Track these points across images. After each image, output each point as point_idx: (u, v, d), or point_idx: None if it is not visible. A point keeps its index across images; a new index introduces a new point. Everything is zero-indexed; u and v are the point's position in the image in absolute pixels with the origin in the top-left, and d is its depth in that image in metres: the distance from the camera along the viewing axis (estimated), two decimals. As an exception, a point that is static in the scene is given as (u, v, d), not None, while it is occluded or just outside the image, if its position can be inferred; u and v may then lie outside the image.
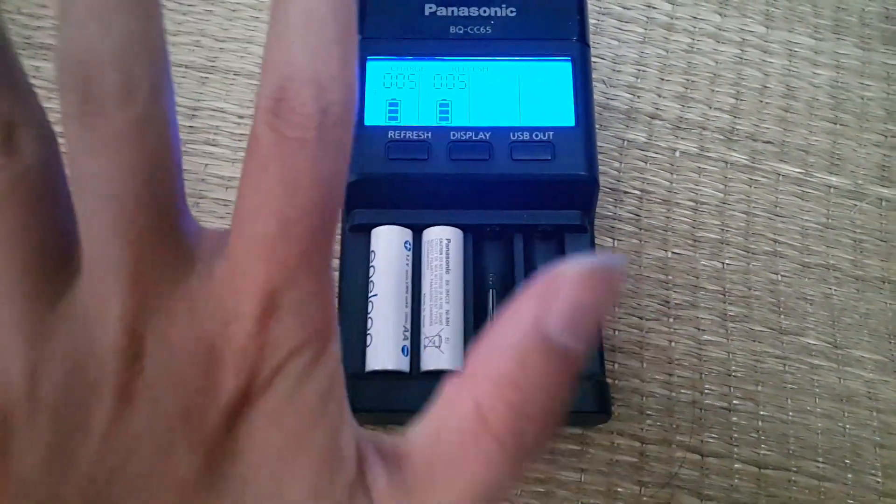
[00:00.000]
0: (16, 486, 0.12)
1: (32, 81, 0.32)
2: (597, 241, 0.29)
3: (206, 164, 0.31)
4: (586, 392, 0.26)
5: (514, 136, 0.27)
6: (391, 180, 0.27)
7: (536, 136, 0.27)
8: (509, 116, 0.28)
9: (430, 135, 0.27)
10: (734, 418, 0.29)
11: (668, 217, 0.32)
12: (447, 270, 0.27)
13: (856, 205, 0.33)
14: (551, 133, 0.27)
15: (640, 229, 0.31)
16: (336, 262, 0.29)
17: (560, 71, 0.28)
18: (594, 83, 0.30)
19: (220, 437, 0.13)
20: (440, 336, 0.26)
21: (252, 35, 0.34)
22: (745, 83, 0.34)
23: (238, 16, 0.34)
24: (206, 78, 0.33)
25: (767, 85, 0.35)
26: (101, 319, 0.13)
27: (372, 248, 0.27)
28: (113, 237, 0.13)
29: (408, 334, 0.26)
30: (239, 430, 0.13)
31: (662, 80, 0.34)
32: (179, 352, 0.13)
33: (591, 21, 0.34)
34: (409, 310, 0.27)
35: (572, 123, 0.27)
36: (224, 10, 0.34)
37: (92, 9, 0.13)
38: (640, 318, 0.30)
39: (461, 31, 0.29)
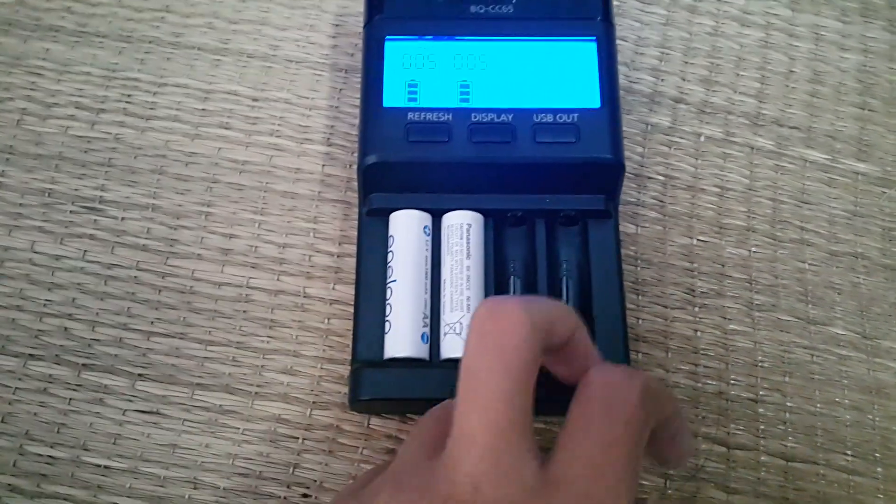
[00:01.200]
0: None
1: (42, 63, 0.32)
2: (620, 227, 0.29)
3: (220, 148, 0.31)
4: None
5: (537, 117, 0.26)
6: (410, 163, 0.26)
7: (560, 117, 0.26)
8: (532, 98, 0.27)
9: (450, 116, 0.26)
10: (761, 410, 0.28)
11: (693, 203, 0.31)
12: (468, 256, 0.26)
13: (884, 192, 0.32)
14: (576, 115, 0.26)
15: (665, 216, 0.30)
16: (353, 248, 0.28)
17: (585, 51, 0.27)
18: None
19: None
20: (461, 323, 0.25)
21: (265, 17, 0.33)
22: (770, 67, 0.34)
23: (252, -4, 0.33)
24: (219, 60, 0.32)
25: (793, 69, 0.34)
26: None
27: (390, 233, 0.27)
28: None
29: (427, 321, 0.26)
30: None
31: (686, 63, 0.33)
32: None
33: (614, 2, 0.33)
34: (428, 296, 0.26)
35: (597, 105, 0.27)
36: (238, -10, 0.33)
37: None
38: (665, 306, 0.29)
39: (482, 10, 0.28)
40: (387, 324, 0.26)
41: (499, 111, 0.26)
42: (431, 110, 0.26)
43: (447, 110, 0.26)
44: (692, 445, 0.22)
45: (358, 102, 0.31)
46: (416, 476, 0.18)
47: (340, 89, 0.32)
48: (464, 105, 0.27)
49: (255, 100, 0.32)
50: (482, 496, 0.16)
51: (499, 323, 0.17)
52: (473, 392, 0.17)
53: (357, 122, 0.30)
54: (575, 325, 0.20)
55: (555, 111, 0.26)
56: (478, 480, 0.16)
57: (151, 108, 0.31)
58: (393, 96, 0.27)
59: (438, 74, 0.27)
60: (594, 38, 0.28)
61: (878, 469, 0.27)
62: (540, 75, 0.27)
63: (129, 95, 0.31)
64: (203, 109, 0.31)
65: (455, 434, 0.17)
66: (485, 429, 0.17)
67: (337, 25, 0.33)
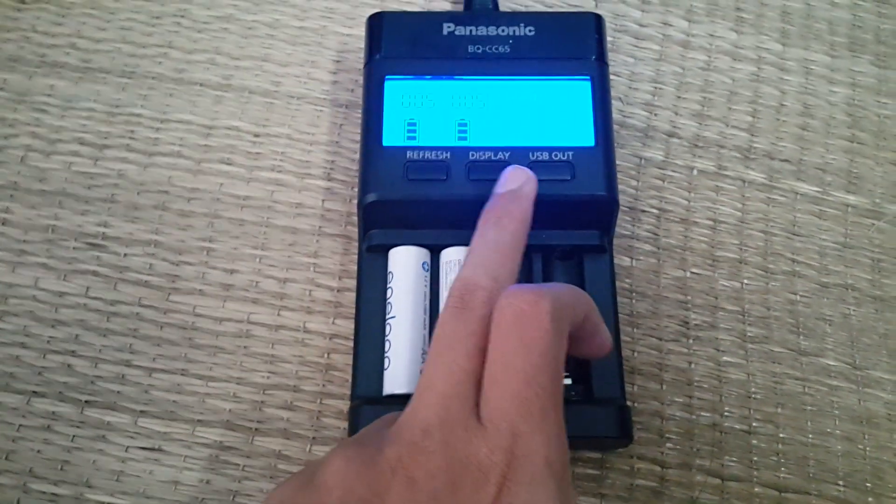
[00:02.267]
0: None
1: (46, 100, 0.33)
2: (615, 260, 0.29)
3: (222, 184, 0.31)
4: (607, 417, 0.25)
5: (533, 155, 0.27)
6: (409, 201, 0.27)
7: (556, 155, 0.27)
8: (528, 136, 0.27)
9: (448, 155, 0.27)
10: (754, 441, 0.28)
11: (686, 236, 0.31)
12: (466, 292, 0.27)
13: (874, 224, 0.32)
14: (571, 153, 0.27)
15: (659, 248, 0.31)
16: (353, 282, 0.29)
17: (579, 90, 0.28)
18: (610, 101, 0.29)
19: None
20: (459, 359, 0.26)
21: (268, 53, 0.34)
22: (761, 101, 0.34)
23: (254, 34, 0.34)
24: (222, 96, 0.33)
25: (784, 103, 0.34)
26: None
27: (389, 269, 0.27)
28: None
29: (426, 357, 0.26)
30: None
31: (679, 97, 0.34)
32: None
33: (608, 39, 0.34)
34: (427, 332, 0.26)
35: (592, 143, 0.27)
36: (240, 28, 0.34)
37: (483, 262, 0.21)
38: (660, 338, 0.30)
39: (479, 50, 0.29)
40: (386, 360, 0.26)
41: (496, 149, 0.27)
42: (430, 149, 0.27)
43: (445, 149, 0.27)
44: (609, 335, 0.23)
45: (358, 138, 0.31)
46: (377, 435, 0.20)
47: (341, 125, 0.32)
48: (462, 143, 0.27)
49: (256, 135, 0.32)
50: (430, 439, 0.18)
51: (467, 300, 0.20)
52: (442, 352, 0.19)
53: (357, 157, 0.31)
54: (588, 305, 0.22)
55: (550, 149, 0.27)
56: (428, 425, 0.18)
57: (154, 144, 0.32)
58: (392, 135, 0.27)
59: (437, 113, 0.28)
60: (588, 77, 0.28)
61: (870, 499, 0.28)
62: (536, 114, 0.28)
63: (132, 131, 0.32)
64: (205, 145, 0.32)
65: (418, 387, 0.20)
66: (444, 379, 0.19)
67: (338, 62, 0.34)
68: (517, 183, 0.25)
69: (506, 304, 0.20)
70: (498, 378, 0.19)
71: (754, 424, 0.29)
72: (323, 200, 0.31)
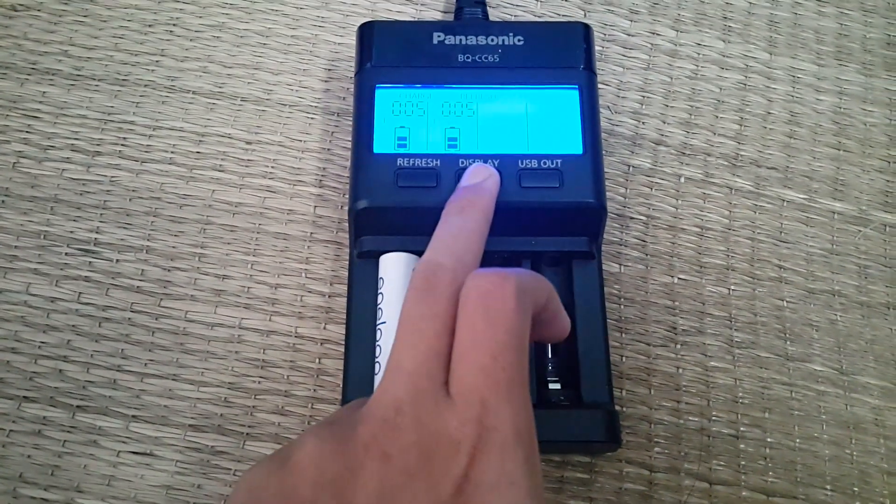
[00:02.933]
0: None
1: (38, 107, 0.33)
2: (604, 266, 0.29)
3: (214, 190, 0.31)
4: (596, 421, 0.25)
5: (522, 163, 0.27)
6: (400, 208, 0.27)
7: (544, 163, 0.27)
8: (517, 144, 0.28)
9: (438, 163, 0.27)
10: (742, 445, 0.29)
11: (673, 243, 0.32)
12: (455, 298, 0.27)
13: (860, 230, 0.33)
14: (559, 161, 0.27)
15: (647, 255, 0.31)
16: (344, 288, 0.29)
17: (567, 99, 0.28)
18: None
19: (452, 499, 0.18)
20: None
21: (259, 61, 0.34)
22: (748, 109, 0.35)
23: (245, 42, 0.34)
24: (214, 104, 0.33)
25: (771, 111, 0.35)
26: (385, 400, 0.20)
27: (380, 275, 0.27)
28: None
29: (416, 362, 0.26)
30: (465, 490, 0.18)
31: (667, 106, 0.34)
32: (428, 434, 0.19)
33: (596, 48, 0.34)
34: (417, 337, 0.27)
35: (580, 151, 0.28)
36: (232, 36, 0.34)
37: (447, 245, 0.22)
38: (648, 344, 0.30)
39: (469, 60, 0.29)
40: (377, 365, 0.26)
41: (485, 157, 0.27)
42: (420, 156, 0.27)
43: (435, 156, 0.27)
44: (568, 321, 0.24)
45: (349, 145, 0.32)
46: (348, 416, 0.20)
47: (332, 132, 0.33)
48: (451, 151, 0.28)
49: (248, 143, 0.32)
50: (403, 416, 0.19)
51: (432, 281, 0.21)
52: (408, 332, 0.20)
53: (348, 165, 0.31)
54: (548, 290, 0.22)
55: (539, 157, 0.27)
56: (399, 402, 0.19)
57: (146, 151, 0.32)
58: (383, 143, 0.28)
59: (427, 122, 0.28)
60: (576, 86, 0.29)
61: (857, 503, 0.28)
62: (524, 122, 0.28)
63: (124, 138, 0.32)
64: (197, 152, 0.32)
65: (387, 368, 0.20)
66: (412, 358, 0.19)
67: (329, 70, 0.34)
68: (480, 178, 0.26)
69: (472, 285, 0.20)
70: (466, 354, 0.19)
71: (742, 429, 0.29)
72: (314, 207, 0.31)
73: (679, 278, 0.31)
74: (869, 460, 0.29)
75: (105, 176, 0.31)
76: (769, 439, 0.29)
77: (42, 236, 0.30)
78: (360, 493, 0.18)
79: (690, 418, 0.29)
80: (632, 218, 0.32)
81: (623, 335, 0.30)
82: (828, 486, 0.28)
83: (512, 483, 0.18)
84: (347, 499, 0.18)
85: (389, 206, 0.27)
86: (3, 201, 0.31)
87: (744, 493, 0.28)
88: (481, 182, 0.26)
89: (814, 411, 0.29)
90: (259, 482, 0.19)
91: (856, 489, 0.28)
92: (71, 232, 0.30)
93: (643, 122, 0.34)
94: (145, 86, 0.33)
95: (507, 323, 0.19)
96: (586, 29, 0.30)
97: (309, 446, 0.19)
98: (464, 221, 0.23)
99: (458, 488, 0.18)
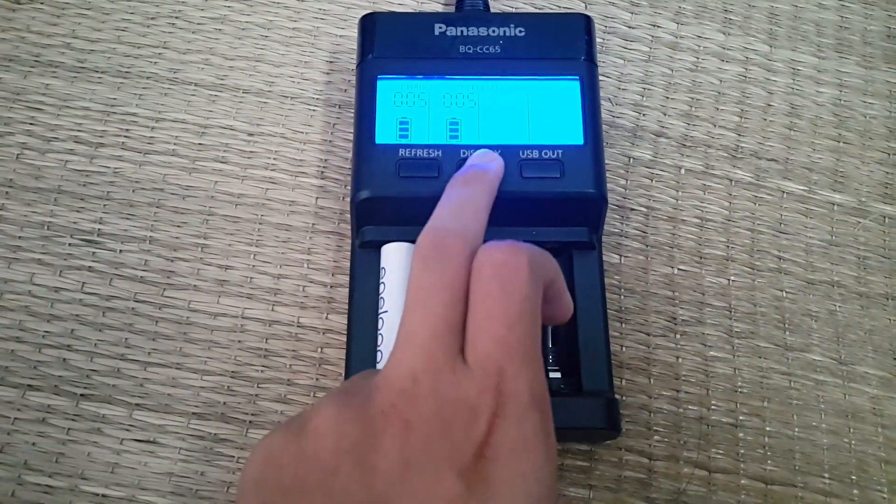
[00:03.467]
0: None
1: (42, 98, 0.33)
2: (604, 257, 0.30)
3: (216, 182, 0.32)
4: (596, 409, 0.26)
5: (523, 154, 0.27)
6: (401, 198, 0.27)
7: (545, 154, 0.27)
8: (518, 134, 0.28)
9: (440, 153, 0.27)
10: (741, 434, 0.29)
11: (674, 234, 0.32)
12: (457, 287, 0.27)
13: (859, 222, 0.33)
14: (560, 151, 0.27)
15: (647, 246, 0.32)
16: (346, 278, 0.29)
17: (568, 89, 0.29)
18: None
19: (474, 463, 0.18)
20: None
21: (261, 54, 0.34)
22: (749, 101, 0.35)
23: (247, 34, 0.34)
24: (216, 96, 0.33)
25: (771, 103, 0.35)
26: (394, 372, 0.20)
27: (382, 265, 0.27)
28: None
29: (418, 351, 0.26)
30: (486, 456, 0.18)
31: (667, 98, 0.34)
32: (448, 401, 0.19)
33: (597, 40, 0.34)
34: (418, 326, 0.27)
35: (581, 141, 0.28)
36: (233, 28, 0.35)
37: (454, 213, 0.22)
38: (647, 334, 0.30)
39: (470, 51, 0.29)
40: (379, 353, 0.26)
41: (486, 147, 0.27)
42: (422, 147, 0.27)
43: (437, 147, 0.27)
44: (571, 302, 0.24)
45: (350, 137, 0.32)
46: (362, 385, 0.20)
47: (334, 124, 0.33)
48: (453, 142, 0.28)
49: (250, 134, 0.32)
50: (420, 386, 0.19)
51: (441, 249, 0.20)
52: (419, 301, 0.20)
53: (350, 156, 0.31)
54: (555, 268, 0.22)
55: (540, 147, 0.28)
56: (416, 371, 0.19)
57: (149, 143, 0.32)
58: (385, 133, 0.28)
59: (429, 112, 0.28)
60: (577, 77, 0.29)
61: (855, 491, 0.28)
62: (526, 113, 0.28)
63: (127, 130, 0.32)
64: (200, 144, 0.32)
65: (399, 338, 0.20)
66: (424, 329, 0.19)
67: (331, 62, 0.34)
68: (485, 160, 0.26)
69: (485, 256, 0.20)
70: (482, 324, 0.20)
71: (741, 418, 0.29)
72: (316, 198, 0.31)
73: (679, 269, 0.31)
74: (867, 449, 0.29)
75: (108, 167, 0.32)
76: (768, 428, 0.29)
77: (46, 227, 0.30)
78: (383, 460, 0.18)
79: (690, 407, 0.29)
80: (632, 209, 0.32)
81: (623, 325, 0.30)
82: (826, 475, 0.29)
83: (530, 447, 0.18)
84: (369, 465, 0.18)
85: (391, 197, 0.27)
86: (6, 192, 0.31)
87: (742, 481, 0.28)
88: (486, 163, 0.26)
89: (812, 401, 0.30)
90: (277, 449, 0.19)
91: (853, 477, 0.29)
92: (74, 223, 0.31)
93: (644, 114, 0.34)
94: (148, 78, 0.33)
95: (521, 293, 0.20)
96: (587, 20, 0.30)
97: (327, 412, 0.19)
98: (470, 192, 0.24)
99: (478, 454, 0.18)
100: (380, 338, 0.26)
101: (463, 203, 0.23)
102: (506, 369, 0.19)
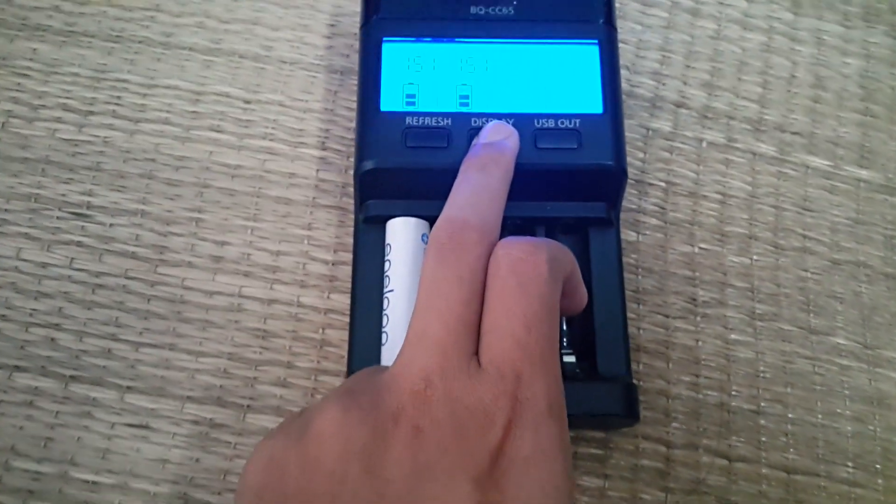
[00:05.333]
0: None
1: (28, 64, 0.31)
2: (621, 235, 0.28)
3: (211, 152, 0.30)
4: (613, 394, 0.24)
5: (538, 122, 0.26)
6: (408, 170, 0.25)
7: (562, 123, 0.26)
8: (533, 102, 0.26)
9: (449, 121, 0.26)
10: (762, 421, 0.27)
11: (694, 210, 0.30)
12: (466, 265, 0.26)
13: (886, 199, 0.31)
14: (577, 120, 0.26)
15: (666, 223, 0.30)
16: (349, 255, 0.28)
17: (587, 54, 0.27)
18: (617, 70, 0.28)
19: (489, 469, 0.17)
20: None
21: (258, 16, 0.32)
22: (772, 72, 0.33)
23: (245, -5, 0.33)
24: (211, 61, 0.31)
25: (796, 74, 0.33)
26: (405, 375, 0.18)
27: (387, 241, 0.26)
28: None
29: (425, 332, 0.25)
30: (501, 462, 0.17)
31: (688, 67, 0.33)
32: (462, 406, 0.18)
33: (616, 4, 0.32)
34: (426, 306, 0.25)
35: (600, 110, 0.26)
36: (230, -11, 0.33)
37: (471, 202, 0.21)
38: (666, 316, 0.29)
39: (482, 12, 0.27)
40: (384, 335, 0.25)
41: (499, 116, 0.26)
42: (430, 115, 0.26)
43: (446, 115, 0.26)
44: (585, 292, 0.23)
45: (354, 105, 0.30)
46: (370, 383, 0.19)
47: (336, 91, 0.31)
48: (463, 110, 0.26)
49: (247, 102, 0.31)
50: (433, 389, 0.18)
51: (458, 241, 0.19)
52: (433, 296, 0.19)
53: (353, 125, 0.30)
54: (573, 261, 0.21)
55: (556, 116, 0.26)
56: (429, 373, 0.18)
57: (141, 111, 0.30)
58: (391, 100, 0.26)
59: (437, 78, 0.26)
60: (596, 41, 0.27)
61: (879, 480, 0.27)
62: (541, 79, 0.27)
63: (118, 97, 0.31)
64: (194, 112, 0.30)
65: (410, 334, 0.19)
66: (439, 327, 0.18)
67: (332, 25, 0.32)
68: (500, 136, 0.24)
69: (503, 253, 0.19)
70: (499, 324, 0.19)
71: (762, 404, 0.28)
72: (317, 170, 0.30)
73: (700, 247, 0.30)
74: (892, 437, 0.28)
75: (98, 136, 0.30)
76: (790, 415, 0.28)
77: (33, 199, 0.29)
78: (394, 468, 0.17)
79: (710, 393, 0.28)
80: (651, 184, 0.31)
81: (641, 307, 0.29)
82: (850, 464, 0.27)
83: (546, 456, 0.17)
84: (379, 471, 0.17)
85: (397, 168, 0.25)
86: (-10, 162, 0.29)
87: (764, 471, 0.27)
88: (502, 140, 0.24)
89: (837, 386, 0.28)
90: (278, 454, 0.18)
91: (878, 466, 0.27)
92: (63, 195, 0.29)
93: (663, 84, 0.32)
94: (139, 42, 0.32)
95: (540, 293, 0.19)
96: (606, -19, 0.28)
97: (332, 414, 0.18)
98: (486, 179, 0.22)
99: (493, 462, 0.17)
100: (385, 318, 0.25)
101: (479, 191, 0.21)
102: (523, 373, 0.18)
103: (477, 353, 0.19)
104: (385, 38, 0.27)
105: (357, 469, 0.17)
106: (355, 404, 0.18)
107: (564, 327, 0.26)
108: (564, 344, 0.26)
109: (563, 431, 0.18)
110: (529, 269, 0.19)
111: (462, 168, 0.23)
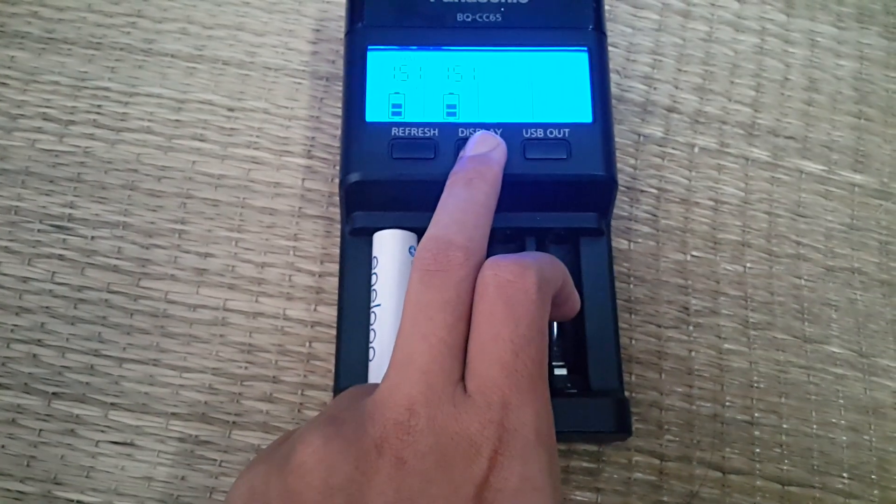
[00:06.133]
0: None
1: (7, 72, 0.30)
2: (612, 243, 0.28)
3: (194, 162, 0.29)
4: (605, 410, 0.24)
5: (527, 132, 0.25)
6: (395, 181, 0.25)
7: (551, 132, 0.25)
8: (522, 112, 0.26)
9: (436, 132, 0.25)
10: (756, 432, 0.27)
11: (686, 217, 0.30)
12: (455, 278, 0.25)
13: (881, 204, 0.31)
14: (567, 130, 0.25)
15: (658, 230, 0.30)
16: (335, 266, 0.27)
17: (576, 62, 0.26)
18: (608, 74, 0.28)
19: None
20: (448, 349, 0.24)
21: (242, 22, 0.32)
22: (765, 74, 0.33)
23: (228, 1, 0.32)
24: (194, 68, 0.31)
25: (789, 76, 0.33)
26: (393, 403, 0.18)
27: (374, 254, 0.25)
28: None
29: (413, 347, 0.24)
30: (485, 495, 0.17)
31: (679, 70, 0.32)
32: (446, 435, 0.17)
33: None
34: (414, 320, 0.25)
35: (589, 119, 0.26)
36: (213, -6, 0.32)
37: (456, 220, 0.20)
38: (659, 325, 0.28)
39: (469, 19, 0.27)
40: (371, 350, 0.24)
41: (487, 126, 0.25)
42: (417, 125, 0.25)
43: (433, 125, 0.25)
44: (577, 297, 0.22)
45: (339, 112, 0.29)
46: (354, 410, 0.18)
47: (321, 98, 0.31)
48: (451, 120, 0.25)
49: (231, 110, 0.30)
50: (417, 418, 0.17)
51: (443, 262, 0.19)
52: (418, 320, 0.18)
53: (339, 133, 0.29)
54: (563, 272, 0.21)
55: (545, 126, 0.25)
56: (412, 402, 0.18)
57: (122, 120, 0.30)
58: (376, 111, 0.26)
59: (424, 87, 0.26)
60: (586, 48, 0.26)
61: (875, 491, 0.27)
62: (529, 88, 0.26)
63: (99, 106, 0.30)
64: (176, 120, 0.30)
65: (395, 360, 0.18)
66: (424, 352, 0.18)
67: (317, 31, 0.32)
68: (486, 147, 0.24)
69: (490, 274, 0.19)
70: (486, 349, 0.18)
71: (757, 415, 0.27)
72: (303, 179, 0.29)
73: (692, 255, 0.29)
74: (888, 447, 0.28)
75: (79, 146, 0.29)
76: (785, 426, 0.27)
77: (13, 212, 0.28)
78: (377, 500, 0.16)
79: (703, 404, 0.27)
80: (642, 191, 0.30)
81: (633, 316, 0.28)
82: (845, 474, 0.27)
83: (534, 488, 0.17)
84: None
85: (383, 180, 0.25)
86: (-32, 174, 0.29)
87: (758, 483, 0.26)
88: (488, 152, 0.24)
89: (832, 396, 0.28)
90: (259, 485, 0.18)
91: (874, 477, 0.27)
92: (43, 207, 0.28)
93: (654, 88, 0.32)
94: (121, 49, 0.31)
95: (528, 316, 0.18)
96: (596, -14, 0.28)
97: (314, 445, 0.17)
98: (472, 194, 0.21)
99: (478, 494, 0.17)
100: (372, 333, 0.25)
101: (465, 208, 0.21)
102: (510, 400, 0.17)
103: (463, 377, 0.18)
104: (370, 47, 0.26)
105: (339, 502, 0.16)
106: (338, 434, 0.17)
107: (556, 337, 0.26)
108: (555, 355, 0.26)
109: (551, 460, 0.18)
110: (517, 291, 0.18)
111: (448, 183, 0.22)
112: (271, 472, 0.18)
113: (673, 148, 0.31)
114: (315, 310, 0.27)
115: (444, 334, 0.18)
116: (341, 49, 0.30)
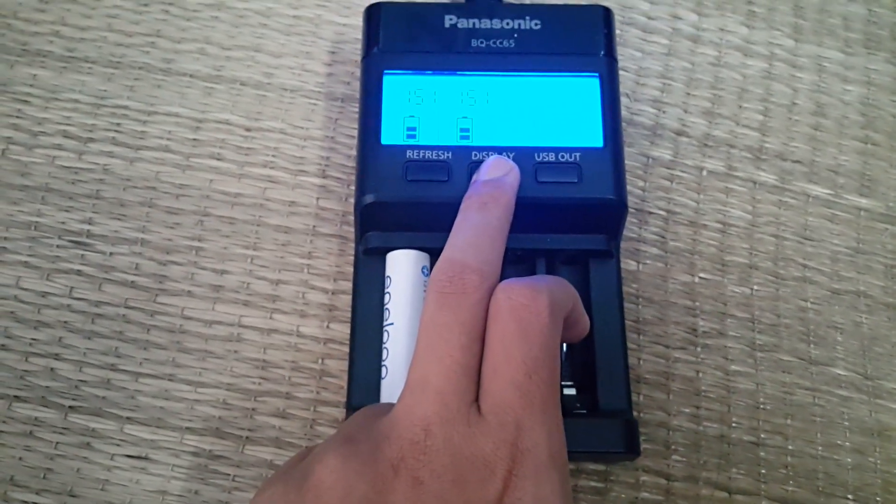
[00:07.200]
0: None
1: (28, 90, 0.31)
2: (621, 264, 0.28)
3: (212, 180, 0.30)
4: (613, 431, 0.24)
5: (538, 156, 0.26)
6: (409, 203, 0.25)
7: (562, 157, 0.26)
8: (534, 136, 0.26)
9: (450, 155, 0.26)
10: (762, 453, 0.27)
11: (694, 240, 0.30)
12: (466, 298, 0.25)
13: (887, 228, 0.31)
14: (578, 154, 0.26)
15: (666, 252, 0.30)
16: (348, 284, 0.28)
17: (587, 87, 0.27)
18: (618, 98, 0.28)
19: None
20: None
21: (260, 43, 0.32)
22: (773, 99, 0.33)
23: (245, 22, 0.33)
24: (212, 88, 0.31)
25: (796, 101, 0.33)
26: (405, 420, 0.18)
27: (387, 274, 0.26)
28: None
29: (425, 366, 0.25)
30: None
31: (688, 94, 0.33)
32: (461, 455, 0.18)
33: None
34: (426, 339, 0.25)
35: (600, 144, 0.26)
36: (231, 16, 0.33)
37: (471, 244, 0.21)
38: (667, 346, 0.29)
39: (483, 45, 0.27)
40: (383, 369, 0.25)
41: (500, 150, 0.26)
42: (431, 148, 0.26)
43: (447, 148, 0.26)
44: (587, 319, 0.23)
45: (354, 133, 0.30)
46: (370, 430, 0.19)
47: (336, 119, 0.31)
48: (464, 143, 0.26)
49: (248, 129, 0.31)
50: (433, 438, 0.18)
51: (458, 285, 0.19)
52: (434, 342, 0.19)
53: (353, 154, 0.30)
54: (574, 296, 0.21)
55: (556, 150, 0.26)
56: (428, 423, 0.18)
57: (141, 138, 0.30)
58: (391, 133, 0.26)
59: (438, 111, 0.26)
60: (597, 74, 0.27)
61: (880, 514, 0.27)
62: (541, 112, 0.27)
63: (118, 124, 0.31)
64: (194, 139, 0.30)
65: (411, 380, 0.19)
66: (439, 373, 0.18)
67: (333, 53, 0.32)
68: (500, 172, 0.24)
69: (503, 297, 0.19)
70: (500, 370, 0.18)
71: (762, 436, 0.28)
72: (317, 199, 0.30)
73: (700, 277, 0.30)
74: (893, 469, 0.28)
75: (98, 164, 0.30)
76: (790, 447, 0.28)
77: (33, 227, 0.29)
78: None
79: (710, 425, 0.28)
80: (651, 213, 0.31)
81: (641, 337, 0.29)
82: (850, 496, 0.27)
83: None
84: None
85: (398, 202, 0.25)
86: (-9, 190, 0.29)
87: (763, 503, 0.27)
88: (502, 177, 0.24)
89: (837, 418, 0.28)
90: (277, 503, 0.18)
91: (878, 499, 0.27)
92: (62, 223, 0.29)
93: (664, 111, 0.32)
94: (140, 68, 0.32)
95: (541, 338, 0.19)
96: (607, 12, 0.28)
97: (332, 464, 0.18)
98: (486, 219, 0.22)
99: None
100: (385, 352, 0.25)
101: (479, 231, 0.21)
102: (523, 421, 0.18)
103: (477, 398, 0.19)
104: (386, 71, 0.27)
105: None
106: (355, 454, 0.18)
107: (564, 358, 0.26)
108: (564, 374, 0.26)
109: (564, 480, 0.18)
110: (530, 314, 0.19)
111: (462, 207, 0.23)
112: (289, 491, 0.18)
113: (681, 171, 0.31)
114: (328, 327, 0.28)
115: (459, 355, 0.18)
116: (356, 71, 0.31)
